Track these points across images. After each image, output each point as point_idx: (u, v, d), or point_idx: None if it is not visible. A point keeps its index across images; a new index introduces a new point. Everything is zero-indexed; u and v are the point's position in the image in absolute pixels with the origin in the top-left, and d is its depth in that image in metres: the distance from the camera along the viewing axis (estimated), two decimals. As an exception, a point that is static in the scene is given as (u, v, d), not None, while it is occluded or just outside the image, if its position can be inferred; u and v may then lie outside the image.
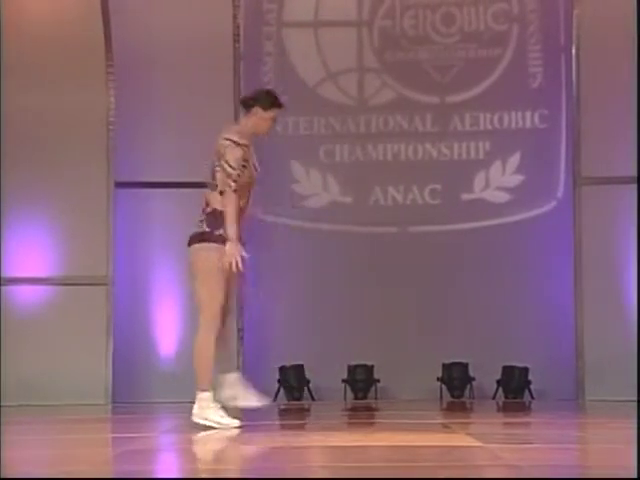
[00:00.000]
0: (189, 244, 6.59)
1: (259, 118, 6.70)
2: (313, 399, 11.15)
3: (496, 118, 11.58)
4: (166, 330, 10.96)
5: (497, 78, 11.58)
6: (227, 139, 6.62)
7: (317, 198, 11.66)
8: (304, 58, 11.66)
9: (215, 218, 6.48)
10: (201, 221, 6.54)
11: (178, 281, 11.01)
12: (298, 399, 11.09)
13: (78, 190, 10.73)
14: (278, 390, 11.06)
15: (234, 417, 6.51)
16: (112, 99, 10.91)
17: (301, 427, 7.57)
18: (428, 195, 11.64)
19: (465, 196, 11.56)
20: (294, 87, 11.60)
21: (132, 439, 6.02)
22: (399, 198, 11.65)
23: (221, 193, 6.47)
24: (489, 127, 11.59)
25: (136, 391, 10.72)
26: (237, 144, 6.55)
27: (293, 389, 11.08)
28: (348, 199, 11.67)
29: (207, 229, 6.50)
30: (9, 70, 10.74)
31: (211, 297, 6.39)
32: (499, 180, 11.53)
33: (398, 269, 11.41)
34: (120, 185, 10.93)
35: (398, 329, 11.24)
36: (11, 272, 10.72)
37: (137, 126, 11.17)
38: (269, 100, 6.72)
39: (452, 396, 11.13)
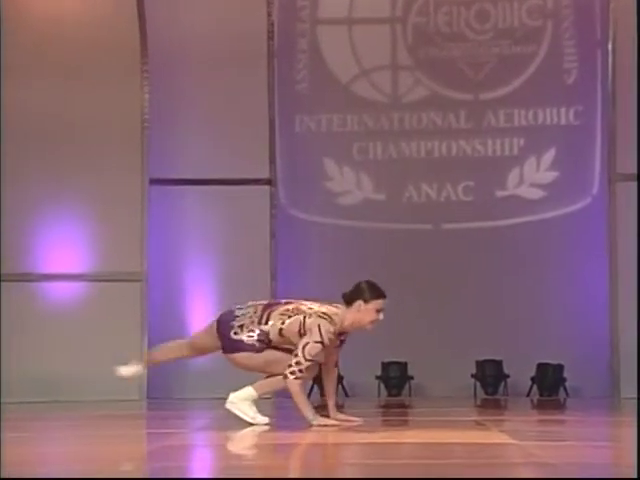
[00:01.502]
0: (234, 349, 6.42)
1: (361, 311, 6.54)
2: (347, 395, 11.15)
3: (530, 114, 11.53)
4: (199, 326, 11.00)
5: (531, 74, 11.53)
6: (320, 328, 6.34)
7: (350, 195, 11.66)
8: (337, 55, 11.67)
9: (264, 342, 6.39)
10: (252, 332, 6.39)
11: (211, 277, 11.06)
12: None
13: (113, 187, 10.80)
14: (312, 387, 11.07)
15: (265, 415, 6.57)
16: (147, 97, 10.96)
17: (335, 424, 7.57)
18: (462, 192, 11.62)
19: (499, 193, 11.52)
20: (327, 84, 11.62)
21: (167, 435, 6.05)
22: (433, 195, 11.63)
23: (281, 331, 6.37)
24: (523, 123, 11.54)
25: (170, 387, 10.77)
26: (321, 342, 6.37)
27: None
28: (381, 196, 11.66)
29: (256, 345, 6.39)
30: (46, 70, 10.82)
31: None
32: (533, 176, 11.48)
33: (432, 266, 11.39)
34: (154, 182, 10.98)
35: (432, 326, 11.23)
36: (46, 268, 10.81)
37: (171, 124, 11.22)
38: (373, 292, 6.60)
39: (486, 393, 11.10)
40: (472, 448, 5.01)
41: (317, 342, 6.29)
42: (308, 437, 5.85)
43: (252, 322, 6.41)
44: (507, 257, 11.29)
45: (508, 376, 11.08)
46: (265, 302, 6.64)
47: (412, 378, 11.16)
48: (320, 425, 6.37)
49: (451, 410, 8.27)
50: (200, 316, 11.03)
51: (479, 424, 6.88)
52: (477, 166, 11.57)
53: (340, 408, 9.55)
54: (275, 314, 6.44)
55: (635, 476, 2.83)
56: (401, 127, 11.69)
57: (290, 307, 6.48)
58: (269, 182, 11.31)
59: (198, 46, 11.27)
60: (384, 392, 11.17)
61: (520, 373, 11.01)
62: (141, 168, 10.88)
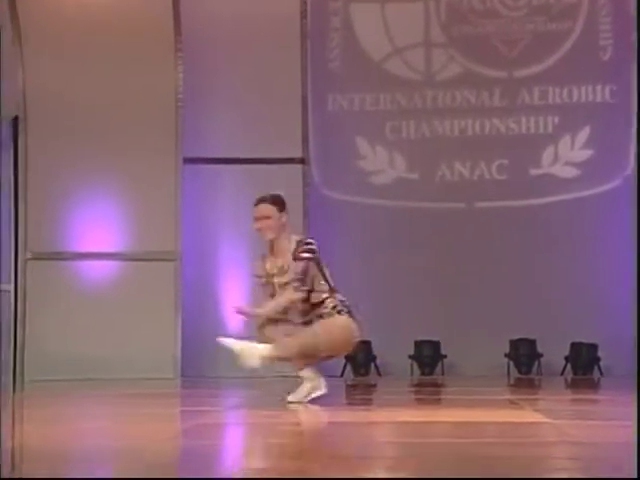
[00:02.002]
0: None
1: None
2: (380, 375, 11.16)
3: (565, 92, 11.44)
4: (233, 305, 11.02)
5: (566, 51, 11.43)
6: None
7: (383, 174, 11.63)
8: (370, 33, 11.62)
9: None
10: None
11: (245, 256, 11.08)
12: (364, 375, 11.11)
13: (147, 167, 10.82)
14: (345, 366, 11.08)
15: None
16: (181, 77, 10.96)
17: (368, 403, 7.59)
18: (495, 170, 11.56)
19: (533, 171, 11.45)
20: (360, 63, 11.57)
21: (201, 413, 6.08)
22: (466, 174, 11.58)
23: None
24: (558, 101, 11.45)
25: (204, 366, 10.82)
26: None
27: (360, 365, 11.10)
28: (414, 175, 11.62)
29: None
30: (80, 51, 10.84)
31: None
32: (568, 155, 11.40)
33: (465, 245, 11.35)
34: (188, 161, 11.00)
35: (465, 305, 11.20)
36: (81, 247, 10.86)
37: (205, 103, 11.23)
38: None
39: (519, 372, 11.07)
40: (506, 427, 4.99)
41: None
42: (341, 416, 5.86)
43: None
44: (541, 236, 11.22)
45: (542, 355, 11.04)
46: None
47: (445, 357, 11.15)
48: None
49: (484, 389, 8.25)
50: (234, 295, 11.06)
51: (513, 403, 6.86)
52: (511, 144, 11.50)
53: (373, 387, 9.58)
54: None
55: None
56: (434, 105, 11.63)
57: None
58: (302, 161, 11.30)
59: (232, 26, 11.25)
60: (417, 371, 11.16)
61: (554, 352, 10.97)
62: (175, 148, 10.89)
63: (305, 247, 6.38)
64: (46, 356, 10.57)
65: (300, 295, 6.29)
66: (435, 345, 11.17)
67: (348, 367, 11.13)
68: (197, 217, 11.11)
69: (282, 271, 6.36)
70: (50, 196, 10.83)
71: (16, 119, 10.95)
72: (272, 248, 6.42)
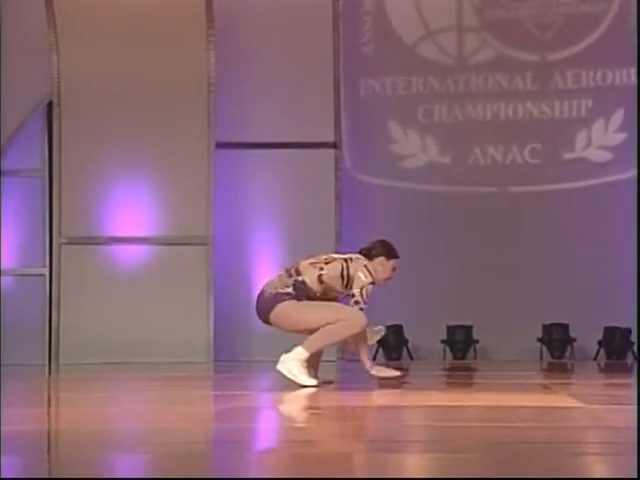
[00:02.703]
0: (273, 303, 6.43)
1: (383, 267, 6.73)
2: (412, 359, 11.15)
3: (599, 75, 11.34)
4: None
5: (600, 34, 11.33)
6: (368, 270, 6.60)
7: (415, 158, 11.60)
8: (403, 16, 11.56)
9: (303, 290, 6.46)
10: (287, 286, 6.45)
11: (276, 241, 11.09)
12: (397, 359, 11.10)
13: (179, 151, 10.85)
14: (377, 350, 11.08)
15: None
16: (213, 61, 10.97)
17: (399, 386, 7.58)
18: (528, 154, 11.49)
19: (566, 155, 11.37)
20: (392, 46, 11.53)
21: (233, 396, 6.09)
22: (499, 158, 11.52)
23: (320, 278, 6.45)
24: (591, 84, 11.36)
25: (236, 349, 10.85)
26: (372, 282, 6.57)
27: (392, 349, 11.10)
28: (447, 159, 11.58)
29: (293, 293, 6.45)
30: (112, 35, 10.87)
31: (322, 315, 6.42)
32: (601, 138, 11.31)
33: (497, 229, 11.30)
34: (220, 146, 11.01)
35: (497, 289, 11.16)
36: (114, 232, 10.91)
37: (237, 87, 11.23)
38: (393, 251, 6.82)
39: (552, 357, 11.02)
40: (539, 411, 4.97)
41: (370, 283, 6.56)
42: (373, 399, 5.85)
43: (282, 279, 6.47)
44: (573, 220, 11.15)
45: (575, 340, 10.99)
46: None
47: (477, 342, 11.12)
48: (379, 376, 6.44)
49: (517, 373, 8.22)
50: (265, 279, 11.06)
51: (545, 387, 6.83)
52: (544, 128, 11.42)
53: (405, 371, 9.57)
54: (304, 265, 6.54)
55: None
56: (467, 89, 11.57)
57: (319, 258, 6.60)
58: (334, 145, 11.28)
59: (264, 9, 11.24)
60: (449, 356, 11.14)
61: (587, 337, 10.91)
62: (207, 132, 10.91)
63: None
64: (80, 339, 10.64)
65: None
66: (467, 329, 11.15)
67: (380, 351, 11.13)
68: (229, 201, 11.13)
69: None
70: (84, 181, 10.88)
71: (50, 104, 11.00)
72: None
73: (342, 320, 6.36)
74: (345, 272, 6.51)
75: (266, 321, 6.48)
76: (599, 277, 10.97)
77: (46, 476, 2.94)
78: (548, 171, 11.35)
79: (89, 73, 10.87)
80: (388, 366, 10.21)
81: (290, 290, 6.41)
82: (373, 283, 6.58)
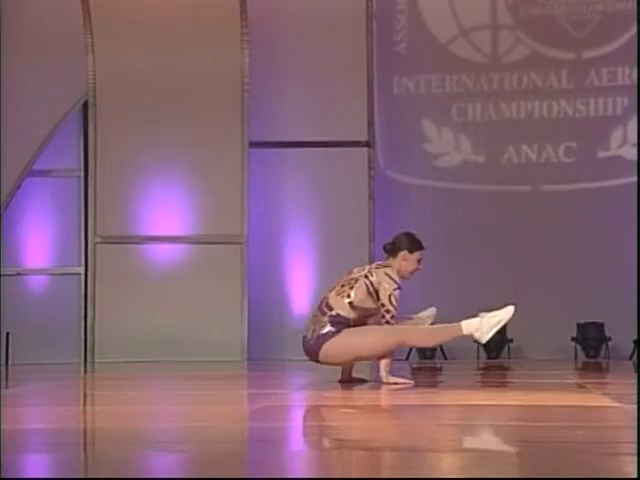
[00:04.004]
0: (318, 347, 6.49)
1: (407, 261, 6.71)
2: (445, 358, 11.13)
3: (635, 73, 11.27)
4: (299, 288, 11.07)
5: (636, 31, 11.26)
6: (390, 277, 6.62)
7: (449, 157, 11.57)
8: (437, 15, 11.54)
9: (341, 322, 6.51)
10: (324, 325, 6.50)
11: (310, 240, 11.11)
12: (430, 358, 11.09)
13: (214, 150, 10.88)
14: (410, 349, 11.07)
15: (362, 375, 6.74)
16: (247, 60, 11.00)
17: (433, 385, 7.58)
18: (563, 153, 11.44)
19: (601, 153, 11.31)
20: (426, 44, 11.51)
21: (267, 395, 6.12)
22: (533, 156, 11.48)
23: (351, 305, 6.50)
24: (627, 82, 11.29)
25: (270, 348, 10.87)
26: (398, 287, 6.60)
27: (425, 348, 11.08)
28: (481, 158, 11.55)
29: (333, 329, 6.51)
30: (146, 35, 10.93)
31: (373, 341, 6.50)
32: (637, 136, 11.23)
33: (531, 228, 11.26)
34: (254, 145, 11.04)
35: (532, 288, 11.11)
36: (149, 231, 10.97)
37: (271, 86, 11.25)
38: (416, 243, 6.75)
39: (587, 356, 10.96)
40: (574, 410, 4.96)
41: (396, 288, 6.56)
42: (407, 398, 5.86)
43: (317, 319, 6.55)
44: (608, 219, 11.09)
45: (610, 339, 10.93)
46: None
47: (511, 341, 11.08)
48: (390, 382, 6.45)
49: (551, 373, 8.20)
50: (299, 279, 11.10)
51: (580, 387, 6.81)
52: (579, 126, 11.37)
53: (438, 371, 9.56)
54: (333, 298, 6.59)
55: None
56: (501, 88, 11.53)
57: (342, 283, 6.64)
58: (367, 144, 11.28)
59: (297, 8, 11.26)
60: (483, 355, 11.11)
61: (622, 336, 10.84)
62: (241, 131, 10.94)
63: None
64: (115, 338, 10.70)
65: None
66: (502, 329, 11.05)
67: (413, 350, 11.11)
68: (263, 201, 11.15)
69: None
70: (118, 180, 10.95)
71: (86, 105, 11.08)
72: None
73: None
74: (371, 288, 6.54)
75: (318, 361, 6.57)
76: (635, 276, 10.91)
77: (82, 475, 2.97)
78: (583, 170, 11.30)
79: (124, 73, 10.94)
80: (422, 366, 10.22)
81: (329, 328, 6.47)
82: (399, 287, 6.58)
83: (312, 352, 6.55)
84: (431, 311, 6.83)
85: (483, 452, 3.41)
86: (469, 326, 6.54)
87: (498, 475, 2.89)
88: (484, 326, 6.50)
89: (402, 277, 6.69)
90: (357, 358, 6.57)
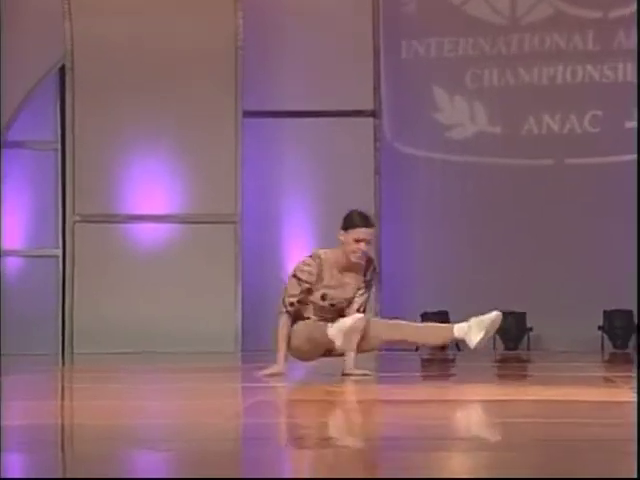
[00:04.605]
0: None
1: (345, 242, 6.76)
2: (459, 349, 11.18)
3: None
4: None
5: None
6: (303, 261, 6.85)
7: (462, 128, 11.59)
8: (449, -28, 11.54)
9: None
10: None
11: (310, 219, 11.15)
12: (442, 349, 11.13)
13: (204, 121, 10.90)
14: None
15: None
16: (241, 22, 11.00)
17: (445, 379, 7.63)
18: (588, 123, 11.46)
19: (629, 124, 11.33)
20: (438, 4, 11.52)
21: (262, 389, 6.17)
22: (555, 127, 11.50)
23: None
24: (659, 44, 11.30)
25: (266, 338, 10.90)
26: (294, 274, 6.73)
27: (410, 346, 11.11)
28: (497, 129, 11.57)
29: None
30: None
31: None
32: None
33: (553, 205, 11.29)
34: (249, 114, 11.05)
35: (553, 272, 11.15)
36: (133, 209, 11.00)
37: (267, 51, 11.26)
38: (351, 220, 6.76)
39: (614, 347, 11.02)
40: (599, 406, 5.01)
41: (291, 276, 6.73)
42: (414, 393, 5.91)
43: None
44: (637, 195, 11.11)
45: None
46: None
47: (531, 330, 11.13)
48: (266, 375, 6.55)
49: (575, 365, 8.25)
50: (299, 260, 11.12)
51: (607, 380, 6.86)
52: (606, 94, 11.38)
53: (451, 362, 9.61)
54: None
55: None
56: (520, 51, 11.54)
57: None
58: (373, 114, 11.30)
59: (295, -36, 11.26)
60: (500, 345, 11.16)
61: (653, 324, 10.89)
62: (234, 100, 10.96)
63: (376, 275, 6.85)
64: (96, 327, 10.75)
65: None
66: (520, 317, 11.16)
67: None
68: (259, 176, 11.18)
69: (344, 285, 6.57)
70: (100, 153, 10.97)
71: (63, 69, 11.08)
72: (343, 265, 6.61)
73: None
74: None
75: None
76: (667, 258, 10.94)
77: (60, 476, 3.01)
78: (610, 141, 11.32)
79: (106, 35, 10.94)
80: (433, 357, 10.28)
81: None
82: (294, 276, 6.69)
83: None
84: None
85: (494, 451, 3.47)
86: (460, 329, 6.59)
87: (505, 476, 2.94)
88: (473, 331, 6.54)
89: (350, 261, 6.67)
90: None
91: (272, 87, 11.28)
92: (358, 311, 6.62)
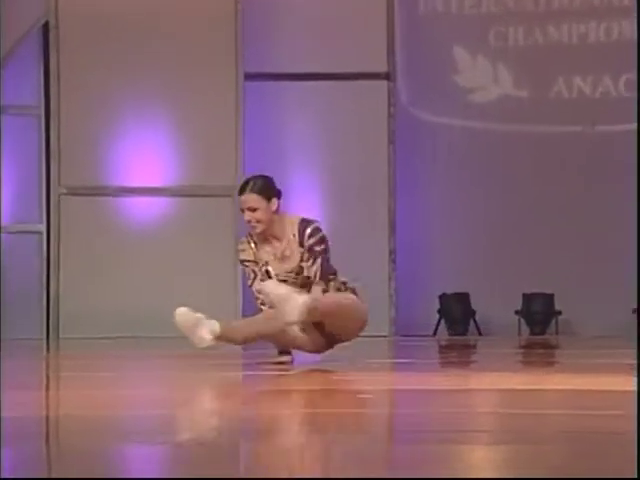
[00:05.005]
0: None
1: None
2: (480, 334, 11.21)
3: None
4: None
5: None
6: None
7: (485, 92, 11.58)
8: None
9: None
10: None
11: (318, 190, 11.15)
12: (462, 333, 11.17)
13: (201, 84, 10.89)
14: (438, 322, 11.15)
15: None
16: (240, -22, 10.99)
17: (465, 366, 7.65)
18: (623, 86, 11.45)
19: (668, 87, 11.31)
20: (458, -44, 11.50)
21: (266, 378, 6.19)
22: (587, 90, 11.48)
23: None
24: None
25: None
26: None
27: (456, 322, 11.16)
28: (523, 92, 11.56)
29: None
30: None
31: None
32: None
33: (584, 175, 11.29)
34: (250, 77, 11.04)
35: (584, 249, 11.16)
36: (124, 181, 11.02)
37: (270, 7, 11.24)
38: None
39: (651, 331, 11.03)
40: (630, 397, 5.02)
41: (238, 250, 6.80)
42: (432, 382, 5.93)
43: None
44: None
45: (679, 311, 10.99)
46: None
47: (560, 313, 11.15)
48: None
49: (607, 352, 8.26)
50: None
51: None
52: (643, 54, 11.35)
53: (472, 348, 9.64)
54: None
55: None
56: (548, 6, 11.52)
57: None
58: (387, 76, 11.29)
59: None
60: (525, 330, 11.18)
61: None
62: (234, 61, 10.95)
63: (317, 237, 6.61)
64: (84, 309, 10.79)
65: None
66: (548, 298, 11.17)
67: (442, 324, 11.20)
68: (261, 145, 11.18)
69: (283, 257, 6.58)
70: (88, 120, 10.98)
71: (46, 26, 11.06)
72: (263, 237, 6.63)
73: None
74: None
75: None
76: None
77: (44, 473, 3.03)
78: (647, 106, 11.30)
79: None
80: (452, 343, 10.29)
81: None
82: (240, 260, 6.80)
83: None
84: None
85: (519, 444, 3.48)
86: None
87: (529, 471, 2.96)
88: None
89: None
90: None
91: (275, 47, 11.27)
92: (313, 280, 6.59)
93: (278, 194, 6.73)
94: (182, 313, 6.64)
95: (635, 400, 4.64)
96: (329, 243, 6.66)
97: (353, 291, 6.69)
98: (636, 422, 4.00)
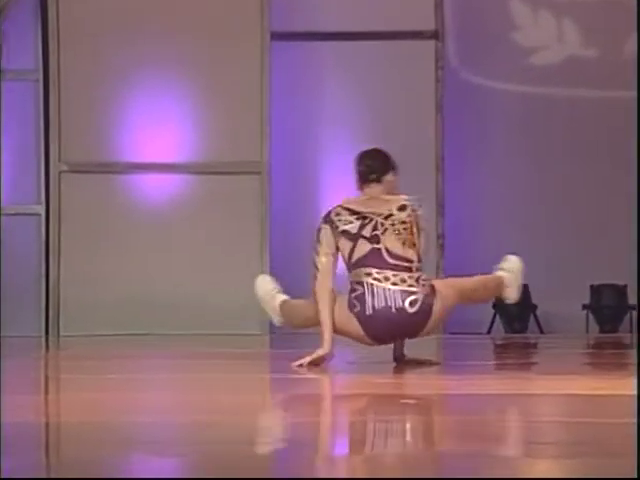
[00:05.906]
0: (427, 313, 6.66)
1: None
2: (541, 331, 11.18)
3: None
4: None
5: None
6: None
7: (548, 52, 11.55)
8: None
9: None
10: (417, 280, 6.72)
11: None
12: (520, 331, 11.15)
13: (222, 46, 10.88)
14: (493, 318, 11.13)
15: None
16: None
17: (524, 368, 7.64)
18: None
19: None
20: None
21: (295, 381, 6.20)
22: (666, 50, 11.42)
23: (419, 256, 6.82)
24: None
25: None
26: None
27: (514, 317, 11.14)
28: (593, 52, 11.51)
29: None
30: None
31: None
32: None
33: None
34: (278, 37, 11.03)
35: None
36: (135, 157, 11.03)
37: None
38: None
39: None
40: None
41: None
42: (487, 386, 5.93)
43: (405, 279, 6.86)
44: None
45: None
46: None
47: (633, 308, 11.11)
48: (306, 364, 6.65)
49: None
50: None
51: None
52: None
53: (532, 348, 9.62)
54: (397, 246, 7.01)
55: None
56: (622, -47, 11.47)
57: (386, 227, 7.09)
58: (434, 35, 11.27)
59: None
60: (594, 326, 11.16)
61: None
62: (260, 19, 10.95)
63: None
64: (88, 303, 10.82)
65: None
66: (620, 291, 11.14)
67: (497, 320, 11.18)
68: (290, 115, 11.18)
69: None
70: (91, 86, 11.00)
71: (45, -19, 11.10)
72: None
73: None
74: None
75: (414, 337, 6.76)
76: None
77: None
78: None
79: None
80: (509, 342, 10.27)
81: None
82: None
83: (417, 324, 6.64)
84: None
85: (592, 457, 3.48)
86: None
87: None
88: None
89: None
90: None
91: (306, 3, 11.27)
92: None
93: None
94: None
95: None
96: None
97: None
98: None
